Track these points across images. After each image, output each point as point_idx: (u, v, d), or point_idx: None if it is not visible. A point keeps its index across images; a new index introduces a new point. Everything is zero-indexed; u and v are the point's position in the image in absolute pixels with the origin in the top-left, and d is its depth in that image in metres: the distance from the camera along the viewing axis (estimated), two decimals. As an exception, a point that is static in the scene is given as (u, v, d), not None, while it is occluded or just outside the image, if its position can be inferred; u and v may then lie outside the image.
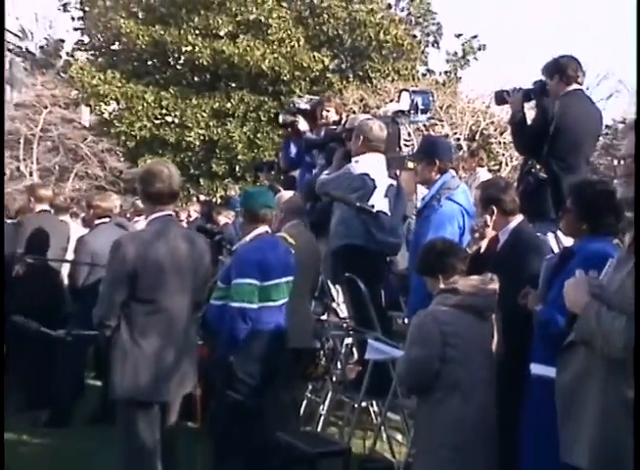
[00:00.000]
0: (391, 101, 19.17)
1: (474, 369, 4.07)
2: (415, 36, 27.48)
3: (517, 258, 4.54)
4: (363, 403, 6.13)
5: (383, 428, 5.95)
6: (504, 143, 20.58)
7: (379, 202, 5.80)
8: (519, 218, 4.69)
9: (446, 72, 27.89)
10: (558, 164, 5.35)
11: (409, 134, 6.14)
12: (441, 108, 20.71)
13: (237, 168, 25.17)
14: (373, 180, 5.81)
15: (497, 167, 20.52)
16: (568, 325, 3.08)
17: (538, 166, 5.39)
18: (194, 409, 5.08)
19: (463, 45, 27.82)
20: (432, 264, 4.28)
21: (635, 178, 2.73)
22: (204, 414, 5.15)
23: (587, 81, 5.77)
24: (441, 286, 4.20)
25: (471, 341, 4.10)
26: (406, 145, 6.10)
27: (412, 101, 6.46)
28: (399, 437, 6.23)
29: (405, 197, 6.17)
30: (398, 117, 6.41)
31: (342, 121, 6.83)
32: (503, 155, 20.88)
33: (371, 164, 5.89)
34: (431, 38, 28.69)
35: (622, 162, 2.93)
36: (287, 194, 6.09)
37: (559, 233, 5.28)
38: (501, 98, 5.79)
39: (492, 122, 21.70)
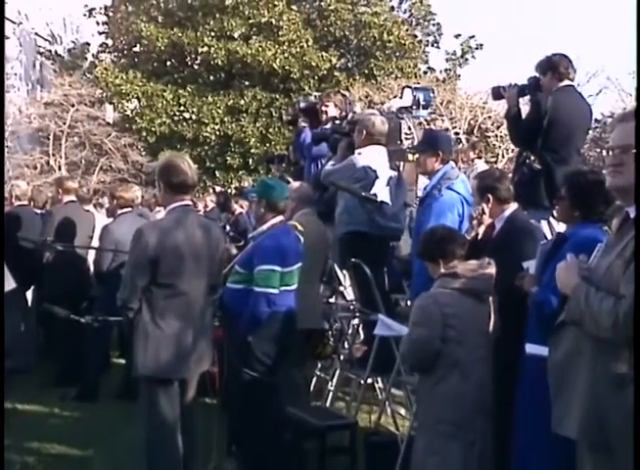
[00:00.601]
0: (395, 97, 19.14)
1: (472, 348, 4.04)
2: (416, 36, 27.31)
3: (512, 243, 4.50)
4: (369, 380, 6.13)
5: (387, 403, 5.94)
6: (500, 136, 20.50)
7: (381, 191, 5.78)
8: (513, 206, 4.65)
9: (446, 70, 27.76)
10: (551, 156, 5.31)
11: (409, 128, 6.08)
12: (442, 103, 20.65)
13: (250, 161, 25.15)
14: (375, 171, 5.79)
15: (494, 159, 20.46)
16: (559, 306, 3.06)
17: (532, 158, 5.34)
18: (211, 386, 5.06)
19: (461, 45, 27.67)
20: (433, 250, 4.25)
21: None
22: (220, 391, 5.15)
23: (578, 78, 5.71)
24: (442, 270, 4.16)
25: (469, 322, 4.07)
26: (406, 138, 6.04)
27: (414, 97, 6.42)
28: (403, 411, 6.21)
29: (405, 186, 6.13)
30: (402, 114, 6.36)
31: (349, 116, 6.76)
32: (500, 147, 20.82)
33: (373, 156, 5.87)
34: (431, 38, 28.53)
35: (610, 153, 2.90)
36: (296, 184, 6.06)
37: (552, 220, 5.25)
38: (497, 93, 5.74)
39: (489, 117, 21.62)
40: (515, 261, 4.30)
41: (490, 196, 4.60)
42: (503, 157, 20.68)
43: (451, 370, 4.01)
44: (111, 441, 5.98)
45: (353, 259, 5.80)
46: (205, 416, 5.11)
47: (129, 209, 7.37)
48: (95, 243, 7.63)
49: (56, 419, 6.66)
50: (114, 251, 6.99)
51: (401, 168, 6.20)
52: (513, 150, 22.45)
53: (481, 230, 4.68)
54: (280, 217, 5.11)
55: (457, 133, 19.94)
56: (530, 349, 3.91)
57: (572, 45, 34.98)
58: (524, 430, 3.99)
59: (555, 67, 5.43)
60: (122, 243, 6.90)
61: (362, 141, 5.88)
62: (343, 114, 7.10)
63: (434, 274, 4.25)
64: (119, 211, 7.40)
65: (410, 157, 5.88)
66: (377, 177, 5.74)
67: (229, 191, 20.33)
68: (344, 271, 6.69)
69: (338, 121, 7.10)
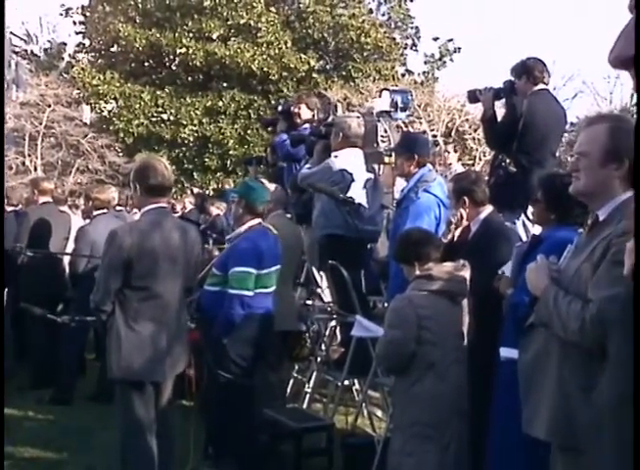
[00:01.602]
0: (373, 99, 19.20)
1: (447, 350, 4.05)
2: (394, 39, 27.44)
3: (487, 245, 4.52)
4: (346, 382, 6.12)
5: (364, 405, 5.95)
6: (478, 139, 20.60)
7: (357, 194, 5.78)
8: (489, 209, 4.67)
9: (424, 73, 27.90)
10: (526, 159, 5.35)
11: (385, 131, 6.06)
12: (420, 106, 20.74)
13: (228, 163, 25.14)
14: (351, 174, 5.79)
15: (471, 162, 20.55)
16: (529, 307, 3.08)
17: (508, 161, 5.37)
18: (189, 388, 5.05)
19: (440, 48, 27.85)
20: (408, 252, 4.25)
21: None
22: (197, 393, 5.13)
23: (554, 82, 5.77)
24: (417, 272, 4.17)
25: (444, 324, 4.08)
26: (383, 141, 6.04)
27: (392, 99, 6.42)
28: (379, 413, 6.23)
29: (382, 188, 6.13)
30: (382, 117, 6.37)
31: (330, 119, 6.74)
32: (477, 150, 20.94)
33: (350, 159, 5.85)
34: (409, 41, 28.71)
35: (574, 157, 2.94)
36: (271, 186, 6.05)
37: (527, 222, 5.28)
38: (474, 97, 5.77)
39: (467, 120, 21.74)
40: (490, 264, 4.33)
41: (466, 198, 4.62)
42: (480, 159, 20.78)
43: (426, 372, 4.01)
44: (85, 443, 5.95)
45: (330, 262, 5.80)
46: (183, 418, 5.09)
47: (105, 210, 7.31)
48: (71, 244, 7.58)
49: (30, 422, 6.59)
50: (88, 256, 6.94)
51: (379, 171, 6.20)
52: (490, 152, 22.57)
53: (457, 233, 4.70)
54: (258, 220, 5.11)
55: (435, 136, 19.98)
56: (505, 352, 3.93)
57: (549, 49, 35.29)
58: (499, 432, 4.00)
59: (530, 70, 5.47)
60: (99, 244, 6.80)
61: (338, 144, 5.88)
62: (322, 116, 7.11)
63: (409, 276, 4.25)
64: (95, 213, 7.33)
65: (387, 159, 5.89)
66: (353, 180, 5.74)
67: (207, 193, 20.28)
68: (322, 273, 6.70)
69: (314, 124, 7.13)
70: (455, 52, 27.75)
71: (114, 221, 7.22)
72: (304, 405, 6.41)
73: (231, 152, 24.90)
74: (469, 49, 52.13)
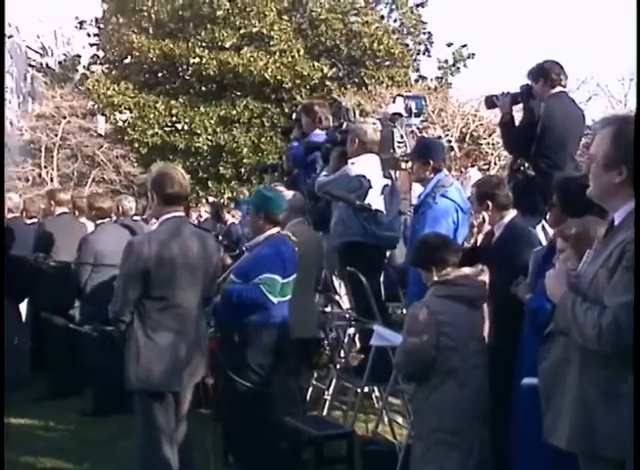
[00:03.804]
0: (387, 105, 19.20)
1: (467, 356, 4.04)
2: (407, 45, 27.44)
3: (511, 250, 4.52)
4: (366, 389, 6.09)
5: (384, 412, 5.91)
6: (492, 144, 20.54)
7: (375, 200, 5.76)
8: (512, 213, 4.66)
9: (437, 78, 27.85)
10: (545, 162, 5.33)
11: (402, 136, 6.07)
12: (434, 111, 20.68)
13: (243, 171, 25.17)
14: (369, 181, 5.77)
15: (487, 167, 20.47)
16: (550, 314, 3.05)
17: (527, 165, 5.34)
18: (205, 396, 5.04)
19: (453, 53, 27.79)
20: (425, 258, 4.24)
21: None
22: (215, 401, 5.13)
23: (568, 85, 5.72)
24: (435, 278, 4.15)
25: (464, 329, 4.06)
26: (399, 146, 6.03)
27: (406, 105, 6.42)
28: (400, 420, 6.18)
29: (400, 194, 6.11)
30: (395, 120, 6.36)
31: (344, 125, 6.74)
32: (492, 155, 20.83)
33: (366, 165, 5.83)
34: (422, 47, 28.65)
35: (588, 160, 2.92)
36: (289, 194, 6.04)
37: (546, 226, 5.24)
38: (491, 102, 5.75)
39: (481, 125, 21.66)
40: (514, 269, 4.30)
41: (490, 203, 4.60)
42: (495, 164, 20.70)
43: (447, 378, 4.00)
44: (106, 453, 5.94)
45: (349, 268, 5.79)
46: (201, 427, 5.08)
47: (107, 219, 7.31)
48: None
49: (51, 432, 6.61)
50: (93, 264, 6.94)
51: (395, 176, 6.19)
52: (505, 157, 22.49)
53: (480, 237, 4.68)
54: (277, 228, 5.11)
55: (449, 141, 19.92)
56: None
57: (563, 53, 35.18)
58: (522, 435, 3.97)
59: (547, 73, 5.45)
60: (102, 254, 6.90)
61: (355, 150, 5.86)
62: (336, 123, 7.10)
63: (427, 282, 4.24)
64: (98, 222, 7.34)
65: (403, 165, 5.87)
66: (371, 186, 5.72)
67: (222, 201, 20.32)
68: (340, 280, 6.68)
69: (329, 130, 7.13)
70: (469, 58, 27.68)
71: (120, 231, 7.26)
72: (324, 413, 6.39)
73: (245, 160, 24.93)
74: (482, 54, 52.14)
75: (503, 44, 46.97)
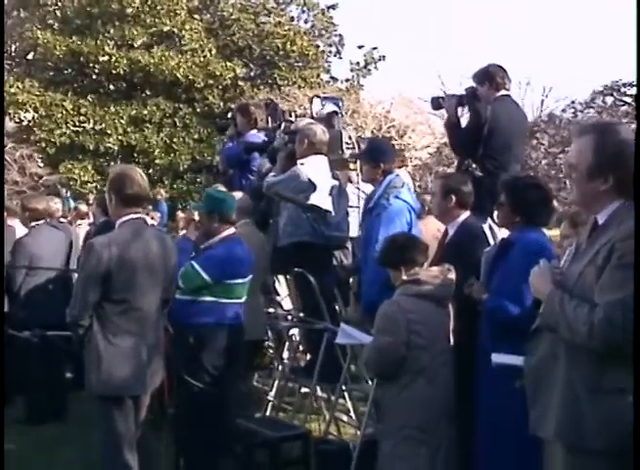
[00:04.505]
0: (300, 106, 19.32)
1: (436, 354, 4.10)
2: (318, 46, 27.58)
3: (466, 249, 4.58)
4: (307, 389, 6.11)
5: (333, 412, 5.93)
6: (404, 145, 20.92)
7: (324, 200, 5.79)
8: (467, 213, 4.75)
9: (347, 80, 28.12)
10: (492, 163, 5.45)
11: (349, 137, 6.14)
12: (347, 112, 20.88)
13: (154, 172, 24.72)
14: (318, 181, 5.80)
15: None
16: (529, 312, 3.12)
17: (474, 165, 5.46)
18: (161, 399, 4.96)
19: (365, 55, 28.07)
20: (394, 257, 4.28)
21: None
22: (169, 404, 5.04)
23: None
24: (404, 277, 4.20)
25: (433, 327, 4.13)
26: (347, 148, 6.09)
27: (323, 106, 6.52)
28: (345, 418, 6.21)
29: (347, 195, 6.16)
30: (332, 119, 6.42)
31: (282, 126, 6.74)
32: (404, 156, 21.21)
33: (315, 166, 5.86)
34: (333, 49, 28.87)
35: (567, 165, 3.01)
36: (238, 195, 6.00)
37: (493, 225, 5.38)
38: (437, 104, 5.84)
39: (393, 126, 22.04)
40: (468, 268, 4.38)
41: (454, 197, 4.68)
42: (407, 166, 21.08)
43: (417, 376, 4.06)
44: (48, 463, 5.74)
45: (296, 269, 5.80)
46: (153, 431, 4.98)
47: (42, 221, 7.06)
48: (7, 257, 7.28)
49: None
50: (28, 267, 6.73)
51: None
52: (415, 158, 23.01)
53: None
54: (232, 229, 5.07)
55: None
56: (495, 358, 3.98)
57: (474, 54, 36.06)
58: (487, 432, 4.06)
59: (492, 77, 5.59)
60: (38, 257, 6.70)
61: (304, 151, 5.87)
62: (274, 124, 7.10)
63: (395, 281, 4.27)
64: (33, 224, 7.07)
65: (352, 166, 5.93)
66: (319, 187, 5.75)
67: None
68: (281, 281, 6.69)
69: (266, 131, 7.14)
70: (380, 60, 28.05)
71: (53, 232, 7.02)
72: (267, 414, 6.37)
73: (157, 161, 24.53)
74: (393, 57, 53.05)
75: (414, 46, 47.85)
